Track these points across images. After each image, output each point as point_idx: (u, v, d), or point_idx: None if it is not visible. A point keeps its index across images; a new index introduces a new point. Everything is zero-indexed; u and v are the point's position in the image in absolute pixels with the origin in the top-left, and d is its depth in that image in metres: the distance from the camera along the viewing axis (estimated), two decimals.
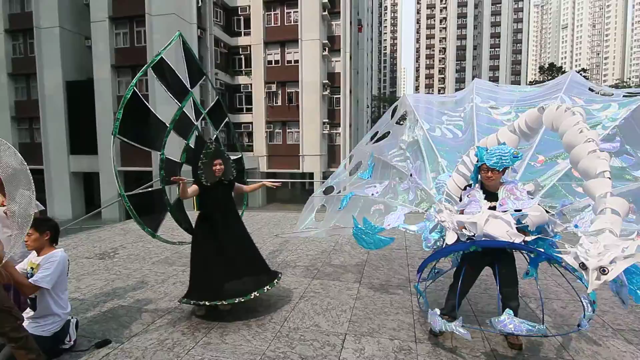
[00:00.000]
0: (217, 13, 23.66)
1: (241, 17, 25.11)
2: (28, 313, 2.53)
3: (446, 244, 2.65)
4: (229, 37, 24.90)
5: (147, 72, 3.41)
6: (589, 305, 2.33)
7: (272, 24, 24.94)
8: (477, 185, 2.72)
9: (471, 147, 3.04)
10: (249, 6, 24.36)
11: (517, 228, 2.39)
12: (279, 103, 25.45)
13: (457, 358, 2.58)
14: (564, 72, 48.03)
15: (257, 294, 3.17)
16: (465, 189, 2.81)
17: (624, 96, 3.05)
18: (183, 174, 3.32)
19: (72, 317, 2.72)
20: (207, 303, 3.04)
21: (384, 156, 3.98)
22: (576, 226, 2.45)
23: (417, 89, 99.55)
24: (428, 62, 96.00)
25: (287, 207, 17.80)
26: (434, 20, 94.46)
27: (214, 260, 3.22)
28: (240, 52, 25.32)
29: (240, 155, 4.75)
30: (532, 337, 2.70)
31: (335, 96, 26.71)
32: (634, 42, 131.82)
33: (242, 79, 25.38)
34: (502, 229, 2.37)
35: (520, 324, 2.26)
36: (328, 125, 25.64)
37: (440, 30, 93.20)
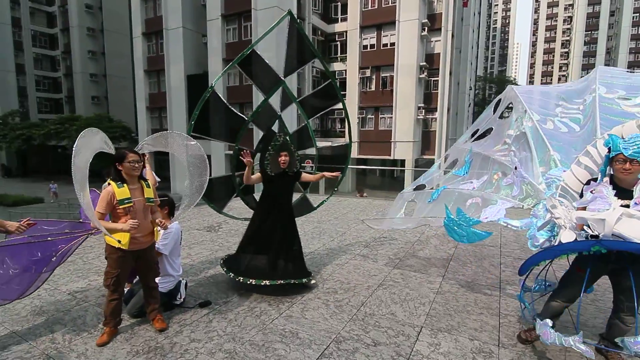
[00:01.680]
0: (315, 1, 24.25)
1: (339, 2, 25.25)
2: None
3: (560, 242, 2.31)
4: (326, 25, 25.34)
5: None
6: None
7: (369, 7, 24.50)
8: (605, 179, 2.30)
9: (594, 138, 2.61)
10: None
11: None
12: (372, 88, 25.13)
13: None
14: None
15: (284, 282, 3.35)
16: (588, 183, 2.39)
17: None
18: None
19: (183, 279, 3.25)
20: (232, 275, 3.39)
21: (485, 151, 3.64)
22: None
23: (532, 66, 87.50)
24: (548, 35, 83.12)
25: (375, 193, 17.76)
26: None
27: (257, 241, 3.54)
28: (337, 39, 25.57)
29: (346, 143, 4.83)
30: None
31: (433, 79, 25.21)
32: None
33: (337, 66, 25.68)
34: (637, 230, 1.99)
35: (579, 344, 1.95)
36: (424, 110, 24.43)
37: None
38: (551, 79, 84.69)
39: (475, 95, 56.49)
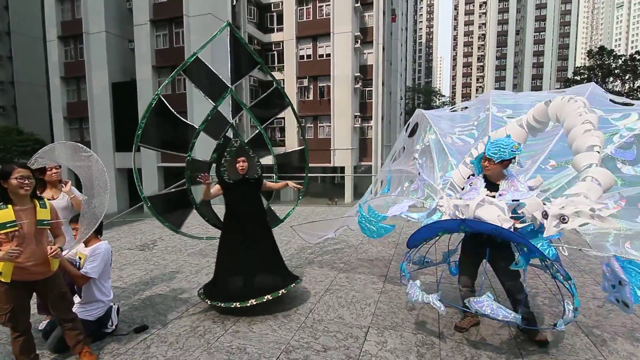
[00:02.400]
0: (250, 10, 24.13)
1: (274, 13, 25.41)
2: (76, 298, 2.80)
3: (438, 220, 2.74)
4: (262, 34, 25.31)
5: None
6: (570, 311, 2.32)
7: (304, 19, 25.01)
8: (480, 175, 2.74)
9: (480, 141, 3.02)
10: (282, 2, 24.60)
11: (513, 218, 2.39)
12: (311, 97, 25.57)
13: (481, 354, 2.54)
14: (616, 55, 44.20)
15: (271, 297, 3.15)
16: (469, 178, 2.84)
17: None
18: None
19: (114, 304, 2.97)
20: (222, 305, 3.13)
21: (400, 166, 4.18)
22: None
23: (454, 78, 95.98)
24: (466, 50, 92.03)
25: (317, 201, 18.00)
26: (473, 5, 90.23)
27: (233, 260, 3.29)
28: (273, 49, 25.66)
29: (302, 147, 4.77)
30: (531, 329, 2.64)
31: (367, 89, 26.41)
32: None
33: (275, 76, 25.73)
34: (493, 214, 2.39)
35: (498, 309, 2.28)
36: (360, 119, 25.45)
37: (480, 16, 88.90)
38: (470, 89, 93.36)
39: (405, 105, 60.20)
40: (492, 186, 2.63)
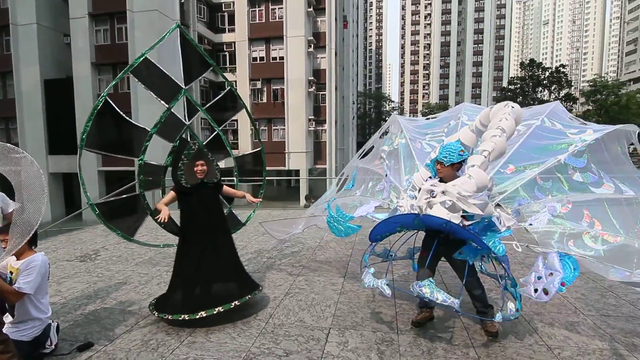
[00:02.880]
0: (200, 9, 23.37)
1: (225, 13, 24.85)
2: (7, 317, 2.50)
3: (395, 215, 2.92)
4: (212, 34, 24.63)
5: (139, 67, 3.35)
6: (511, 311, 2.55)
7: (257, 21, 24.75)
8: (436, 177, 2.90)
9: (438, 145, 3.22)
10: (233, 2, 24.15)
11: (463, 217, 2.58)
12: (264, 100, 25.33)
13: (437, 347, 2.66)
14: (544, 67, 48.98)
15: (222, 309, 3.00)
16: (427, 180, 2.98)
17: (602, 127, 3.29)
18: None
19: (52, 321, 2.69)
20: (170, 317, 2.96)
21: (366, 165, 4.26)
22: (530, 224, 2.66)
23: (402, 84, 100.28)
24: (413, 58, 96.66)
25: (273, 204, 17.83)
26: (419, 16, 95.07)
27: (190, 270, 3.13)
28: (225, 49, 25.08)
29: (259, 149, 4.69)
30: (487, 320, 2.82)
31: (320, 93, 26.73)
32: (612, 37, 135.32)
33: (227, 77, 25.13)
34: (443, 211, 2.58)
35: (437, 292, 2.46)
36: (314, 122, 25.67)
37: (425, 27, 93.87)
38: (417, 96, 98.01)
39: (357, 109, 61.72)
40: None
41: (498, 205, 2.92)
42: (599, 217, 2.57)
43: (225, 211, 4.50)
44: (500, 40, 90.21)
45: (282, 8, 23.96)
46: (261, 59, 25.04)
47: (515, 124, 2.87)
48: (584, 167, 2.84)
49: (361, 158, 4.52)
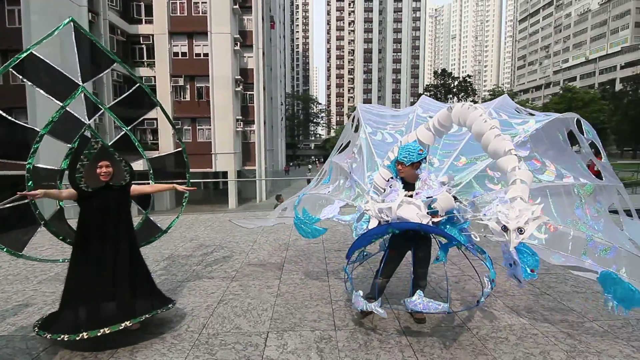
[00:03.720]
0: None
1: (142, 2, 22.99)
2: None
3: (367, 229, 2.89)
4: (127, 24, 22.59)
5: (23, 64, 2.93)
6: (488, 282, 2.69)
7: (178, 13, 23.35)
8: (398, 177, 2.98)
9: (396, 144, 3.32)
10: None
11: (429, 213, 2.69)
12: (188, 98, 24.02)
13: (372, 339, 2.78)
14: (453, 77, 54.62)
15: (129, 324, 2.70)
16: (388, 181, 3.02)
17: (545, 116, 3.51)
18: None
19: None
20: (66, 338, 2.55)
21: (340, 161, 4.27)
22: (484, 214, 2.85)
23: (329, 87, 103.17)
24: (338, 63, 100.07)
25: (200, 208, 16.95)
26: (343, 22, 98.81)
27: (86, 282, 2.74)
28: (142, 42, 23.20)
29: (180, 149, 4.35)
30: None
31: (248, 92, 26.22)
32: (506, 54, 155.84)
33: (143, 71, 23.27)
34: (412, 212, 2.66)
35: (429, 303, 2.59)
36: (242, 122, 25.07)
37: (349, 33, 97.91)
38: (343, 99, 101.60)
39: (286, 110, 61.86)
40: (408, 186, 2.89)
41: (455, 197, 3.12)
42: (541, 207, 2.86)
43: (140, 219, 4.15)
44: (416, 50, 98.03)
45: (205, 2, 22.97)
46: (183, 54, 23.70)
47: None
48: (528, 155, 3.05)
49: (339, 153, 4.55)
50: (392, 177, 3.01)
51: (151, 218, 4.35)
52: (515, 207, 2.30)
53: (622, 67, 67.62)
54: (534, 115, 3.56)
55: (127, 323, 2.69)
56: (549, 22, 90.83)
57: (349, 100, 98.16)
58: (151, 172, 4.17)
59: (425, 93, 57.07)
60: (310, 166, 61.06)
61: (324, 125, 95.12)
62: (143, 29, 23.18)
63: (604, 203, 2.93)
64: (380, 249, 3.67)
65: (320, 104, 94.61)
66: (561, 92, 57.39)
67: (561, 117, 3.19)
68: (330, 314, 3.23)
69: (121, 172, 2.95)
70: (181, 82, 23.31)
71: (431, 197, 2.75)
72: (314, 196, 4.12)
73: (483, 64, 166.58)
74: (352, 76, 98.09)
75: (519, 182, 2.43)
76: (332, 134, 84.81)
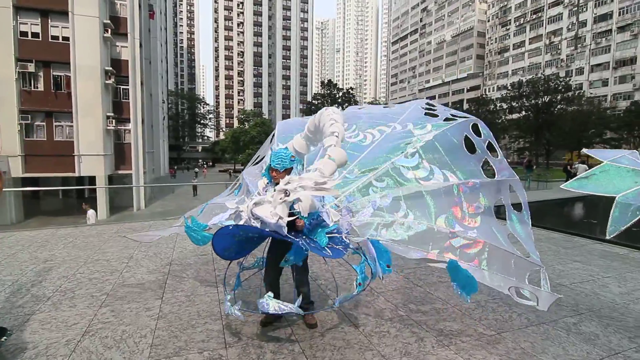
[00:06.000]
0: None
1: None
2: None
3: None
4: None
5: None
6: (357, 286, 2.85)
7: None
8: (272, 183, 2.98)
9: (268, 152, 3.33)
10: None
11: (291, 214, 2.66)
12: (40, 88, 20.06)
13: (265, 351, 2.71)
14: (338, 88, 58.78)
15: None
16: (265, 186, 3.06)
17: (445, 119, 3.68)
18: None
19: None
20: None
21: (249, 173, 4.15)
22: (356, 219, 3.04)
23: (217, 88, 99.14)
24: (227, 63, 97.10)
25: (57, 220, 14.23)
26: (232, 22, 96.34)
27: None
28: None
29: None
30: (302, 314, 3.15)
31: (122, 86, 23.29)
32: (381, 71, 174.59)
33: None
34: (267, 210, 2.62)
35: (279, 304, 2.63)
36: (114, 120, 22.07)
37: (238, 34, 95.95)
38: (233, 101, 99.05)
39: (169, 109, 57.15)
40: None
41: (337, 206, 3.18)
42: (414, 207, 3.07)
43: None
44: (304, 59, 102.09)
45: None
46: (35, 34, 19.74)
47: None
48: (415, 165, 3.28)
49: (254, 164, 4.37)
50: (267, 183, 3.03)
51: None
52: (305, 175, 2.59)
53: (468, 90, 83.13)
54: (437, 115, 3.74)
55: None
56: (415, 47, 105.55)
57: (239, 102, 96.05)
58: None
59: (313, 101, 59.93)
60: (197, 169, 57.27)
61: (213, 127, 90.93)
62: None
63: (490, 198, 3.16)
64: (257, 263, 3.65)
65: (208, 104, 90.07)
66: None
67: (457, 123, 3.43)
68: (220, 331, 3.04)
69: None
70: (32, 68, 19.28)
71: (288, 193, 2.65)
72: (216, 205, 3.90)
73: (363, 78, 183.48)
74: (242, 78, 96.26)
75: (327, 157, 2.76)
76: (222, 136, 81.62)
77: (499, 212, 3.41)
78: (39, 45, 19.68)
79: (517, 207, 3.28)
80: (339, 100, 56.58)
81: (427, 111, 3.91)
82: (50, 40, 19.95)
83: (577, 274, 4.64)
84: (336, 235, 2.88)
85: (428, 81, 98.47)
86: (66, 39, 19.97)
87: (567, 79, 49.36)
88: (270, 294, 2.69)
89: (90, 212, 10.77)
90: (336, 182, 2.65)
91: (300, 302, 2.76)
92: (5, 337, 2.58)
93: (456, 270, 2.69)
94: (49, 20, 19.85)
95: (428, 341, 2.90)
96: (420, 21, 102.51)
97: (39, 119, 20.06)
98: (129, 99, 23.26)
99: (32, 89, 19.81)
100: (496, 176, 3.35)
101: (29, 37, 19.56)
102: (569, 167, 21.11)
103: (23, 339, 2.87)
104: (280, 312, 2.60)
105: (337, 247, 2.77)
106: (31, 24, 19.55)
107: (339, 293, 2.93)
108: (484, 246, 2.89)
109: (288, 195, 2.50)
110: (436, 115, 3.75)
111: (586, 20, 61.73)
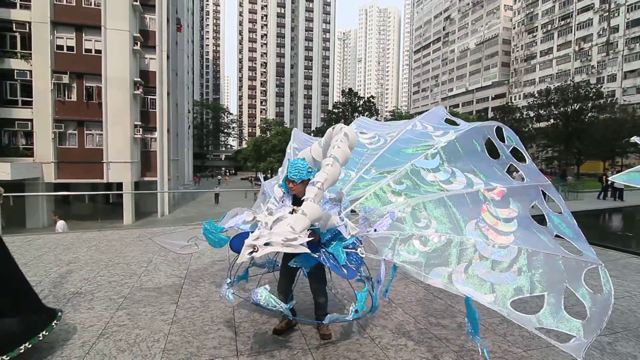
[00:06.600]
0: None
1: None
2: None
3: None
4: None
5: None
6: (352, 311, 2.71)
7: (64, 2, 20.50)
8: (289, 194, 2.96)
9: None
10: None
11: (311, 230, 2.58)
12: (74, 98, 21.06)
13: (275, 355, 2.63)
14: (359, 97, 58.69)
15: (29, 346, 2.41)
16: (282, 197, 3.05)
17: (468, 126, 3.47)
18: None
19: None
20: None
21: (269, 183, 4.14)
22: (375, 230, 2.88)
23: (240, 98, 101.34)
24: (251, 74, 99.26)
25: (85, 225, 14.73)
26: (256, 34, 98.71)
27: None
28: (15, 29, 19.73)
29: None
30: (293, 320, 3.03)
31: (149, 97, 24.13)
32: (403, 79, 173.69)
33: (15, 63, 19.74)
34: (285, 226, 2.45)
35: (269, 299, 2.55)
36: (141, 129, 22.84)
37: (262, 46, 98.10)
38: (255, 110, 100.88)
39: (194, 119, 58.77)
40: (299, 203, 2.72)
41: (353, 211, 3.08)
42: (436, 216, 2.87)
43: None
44: (326, 69, 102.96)
45: None
46: (70, 48, 20.81)
47: (350, 149, 2.92)
48: (436, 167, 3.11)
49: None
50: (284, 194, 2.99)
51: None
52: (276, 228, 2.35)
53: (493, 98, 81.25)
54: (459, 125, 3.52)
55: (27, 345, 2.38)
56: (438, 56, 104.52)
57: (261, 112, 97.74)
58: None
59: (334, 110, 60.08)
60: (219, 177, 58.32)
61: (236, 135, 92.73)
62: (17, 14, 19.70)
63: (522, 203, 2.84)
64: (266, 266, 3.70)
65: (231, 114, 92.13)
66: None
67: (479, 126, 3.16)
68: (233, 338, 2.99)
69: None
70: (66, 79, 20.31)
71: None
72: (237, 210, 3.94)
73: (385, 87, 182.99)
74: (264, 88, 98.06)
75: (300, 211, 2.45)
76: (244, 145, 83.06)
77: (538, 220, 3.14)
78: (73, 58, 20.74)
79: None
80: (359, 108, 56.45)
81: (447, 118, 3.77)
82: (83, 53, 20.99)
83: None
84: (352, 251, 2.80)
85: (451, 89, 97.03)
86: (98, 51, 20.95)
87: (599, 85, 47.16)
88: (267, 286, 2.61)
89: (60, 223, 10.66)
90: (306, 240, 2.33)
91: (292, 304, 2.77)
92: (56, 322, 2.75)
93: (468, 306, 2.43)
94: (83, 34, 20.92)
95: (448, 357, 2.74)
96: (443, 29, 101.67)
97: (71, 127, 21.03)
98: (155, 109, 24.06)
99: (66, 99, 20.82)
100: (525, 180, 3.06)
101: (64, 50, 20.65)
102: (604, 177, 20.13)
103: (40, 343, 2.92)
104: (269, 307, 2.53)
105: (351, 265, 2.73)
106: (67, 38, 20.65)
107: (354, 304, 2.79)
108: (520, 252, 2.60)
109: (257, 252, 2.24)
110: (457, 124, 3.56)
111: (618, 25, 59.43)
